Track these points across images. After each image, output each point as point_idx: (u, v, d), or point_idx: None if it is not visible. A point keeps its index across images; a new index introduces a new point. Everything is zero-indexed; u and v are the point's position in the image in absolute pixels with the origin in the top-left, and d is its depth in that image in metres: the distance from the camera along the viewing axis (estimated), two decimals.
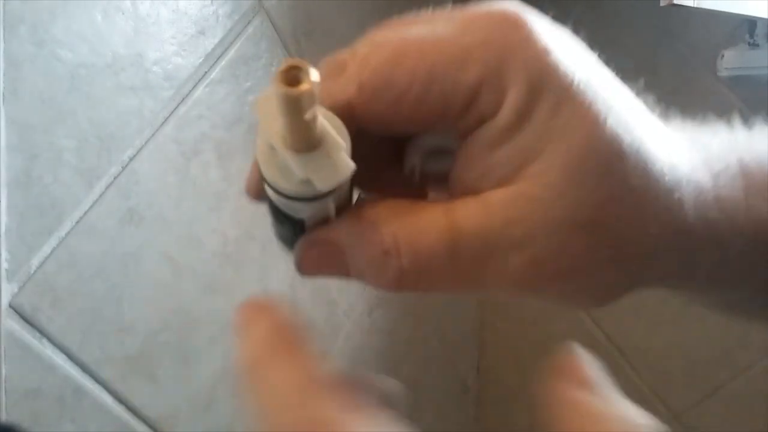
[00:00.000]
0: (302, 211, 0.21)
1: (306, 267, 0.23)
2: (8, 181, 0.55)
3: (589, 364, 0.20)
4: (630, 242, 0.22)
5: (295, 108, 0.18)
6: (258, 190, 0.22)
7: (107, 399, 0.64)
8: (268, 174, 0.20)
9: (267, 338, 0.20)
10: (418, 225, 0.21)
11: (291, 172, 0.19)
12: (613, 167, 0.21)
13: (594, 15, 0.97)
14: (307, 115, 0.18)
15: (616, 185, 0.21)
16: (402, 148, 0.24)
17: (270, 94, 0.19)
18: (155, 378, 0.68)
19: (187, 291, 0.70)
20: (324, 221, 0.22)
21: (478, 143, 0.21)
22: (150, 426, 0.68)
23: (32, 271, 0.58)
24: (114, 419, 0.65)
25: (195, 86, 0.69)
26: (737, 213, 0.23)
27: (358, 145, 0.21)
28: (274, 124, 0.19)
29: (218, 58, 0.71)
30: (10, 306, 0.56)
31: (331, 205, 0.21)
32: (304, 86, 0.18)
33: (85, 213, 0.61)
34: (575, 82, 0.20)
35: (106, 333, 0.63)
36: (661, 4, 0.76)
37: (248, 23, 0.74)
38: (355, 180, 0.21)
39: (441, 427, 1.12)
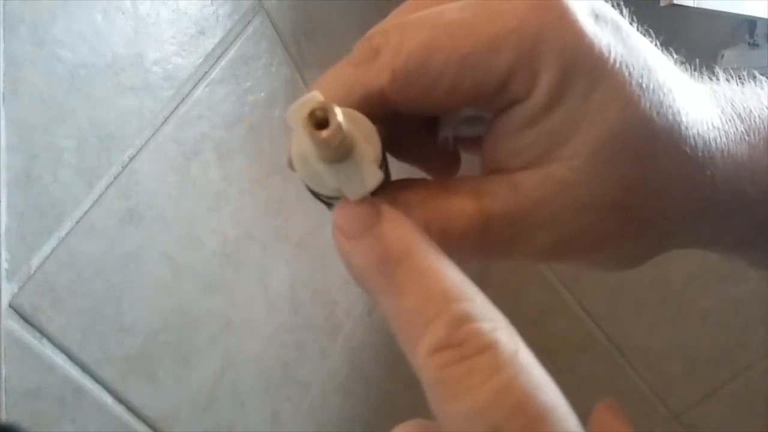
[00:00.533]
0: (338, 202, 0.22)
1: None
2: (8, 181, 0.55)
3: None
4: (658, 220, 0.22)
5: (324, 145, 0.19)
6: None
7: (107, 399, 0.64)
8: (304, 178, 0.21)
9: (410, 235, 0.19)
10: (449, 209, 0.21)
11: (324, 180, 0.20)
12: (643, 151, 0.21)
13: None
14: (336, 145, 0.19)
15: (647, 168, 0.21)
16: (434, 117, 0.24)
17: (302, 105, 0.20)
18: (155, 378, 0.68)
19: (187, 291, 0.70)
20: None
21: (509, 123, 0.21)
22: (150, 426, 0.68)
23: (32, 271, 0.58)
24: (114, 419, 0.65)
25: (195, 86, 0.69)
26: None
27: (391, 119, 0.22)
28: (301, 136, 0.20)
29: (218, 58, 0.71)
30: (10, 306, 0.56)
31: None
32: (329, 132, 0.18)
33: (85, 213, 0.61)
34: (610, 63, 0.20)
35: (106, 333, 0.63)
36: (661, 4, 0.76)
37: (248, 23, 0.74)
38: (392, 150, 0.22)
39: None
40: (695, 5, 0.79)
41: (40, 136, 0.57)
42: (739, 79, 0.27)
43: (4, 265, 0.56)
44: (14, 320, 0.57)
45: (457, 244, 0.21)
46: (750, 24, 0.89)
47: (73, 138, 0.60)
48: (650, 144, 0.21)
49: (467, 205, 0.21)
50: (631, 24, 0.24)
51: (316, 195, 0.22)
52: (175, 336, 0.69)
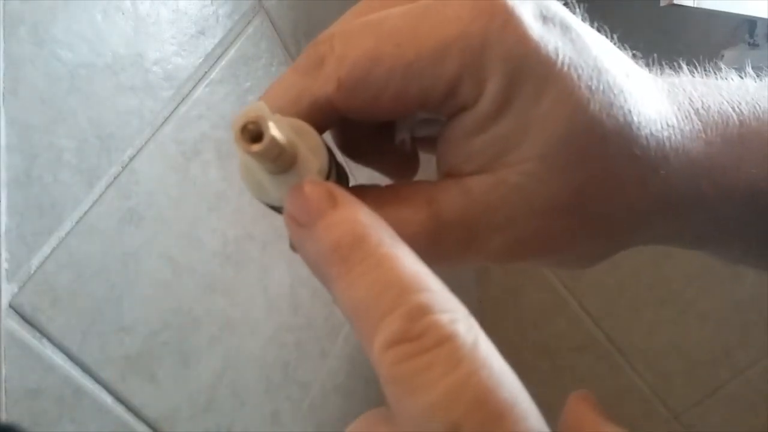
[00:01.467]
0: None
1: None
2: (8, 181, 0.55)
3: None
4: (612, 219, 0.22)
5: (261, 158, 0.19)
6: None
7: (107, 399, 0.64)
8: (250, 188, 0.21)
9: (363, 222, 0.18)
10: (401, 216, 0.21)
11: (267, 191, 0.20)
12: (592, 153, 0.21)
13: (594, 15, 0.97)
14: (274, 157, 0.19)
15: (597, 170, 0.21)
16: (390, 121, 0.24)
17: (239, 117, 0.19)
18: (155, 378, 0.68)
19: (187, 291, 0.70)
20: None
21: (459, 128, 0.21)
22: (150, 426, 0.68)
23: (32, 271, 0.58)
24: (114, 419, 0.65)
25: (195, 86, 0.69)
26: (728, 180, 0.23)
27: (347, 123, 0.22)
28: (249, 175, 0.20)
29: (218, 58, 0.71)
30: (10, 306, 0.56)
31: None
32: (261, 146, 0.18)
33: (85, 213, 0.61)
34: (558, 66, 0.20)
35: (106, 333, 0.63)
36: (661, 4, 0.76)
37: (248, 23, 0.74)
38: (349, 154, 0.22)
39: None
40: (695, 5, 0.79)
41: (40, 136, 0.57)
42: (705, 71, 0.27)
43: (4, 265, 0.56)
44: (14, 320, 0.57)
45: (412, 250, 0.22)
46: (750, 24, 0.89)
47: (73, 138, 0.60)
48: (599, 146, 0.21)
49: (419, 211, 0.21)
50: (583, 21, 0.23)
51: (265, 203, 0.22)
52: (175, 336, 0.69)
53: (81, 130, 0.60)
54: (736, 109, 0.24)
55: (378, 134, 0.25)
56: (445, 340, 0.16)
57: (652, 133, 0.22)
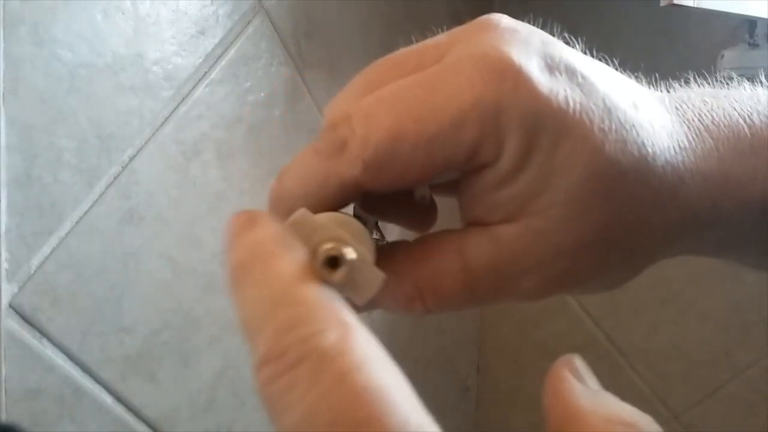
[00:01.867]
0: None
1: (405, 306, 0.23)
2: (8, 181, 0.55)
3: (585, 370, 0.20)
4: (637, 248, 0.23)
5: (337, 286, 0.18)
6: None
7: (107, 399, 0.64)
8: None
9: (253, 245, 0.18)
10: (436, 270, 0.22)
11: None
12: (613, 191, 0.22)
13: (594, 15, 0.97)
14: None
15: (619, 206, 0.22)
16: None
17: (297, 221, 0.20)
18: (155, 378, 0.68)
19: (187, 291, 0.70)
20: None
21: (482, 184, 0.22)
22: (150, 426, 0.68)
23: (32, 271, 0.58)
24: (114, 419, 0.65)
25: (195, 86, 0.69)
26: (744, 193, 0.24)
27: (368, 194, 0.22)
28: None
29: (218, 58, 0.71)
30: (10, 306, 0.56)
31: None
32: (342, 274, 0.18)
33: (85, 213, 0.61)
34: (570, 114, 0.21)
35: (106, 333, 0.63)
36: (661, 4, 0.76)
37: (248, 23, 0.74)
38: (371, 213, 0.23)
39: (440, 426, 1.12)
40: (695, 5, 0.79)
41: (40, 136, 0.57)
42: (716, 81, 0.27)
43: (4, 265, 0.56)
44: (14, 320, 0.57)
45: (449, 303, 0.22)
46: (750, 24, 0.89)
47: (73, 138, 0.60)
48: (619, 183, 0.21)
49: (451, 263, 0.22)
50: (584, 54, 0.24)
51: None
52: (175, 336, 0.69)
53: (81, 130, 0.60)
54: (747, 121, 0.25)
55: (397, 193, 0.25)
56: (306, 356, 0.15)
57: (667, 161, 0.23)
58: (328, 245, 0.18)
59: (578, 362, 0.20)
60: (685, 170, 0.23)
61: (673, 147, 0.23)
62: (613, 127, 0.21)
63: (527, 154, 0.21)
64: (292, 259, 0.17)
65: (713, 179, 0.23)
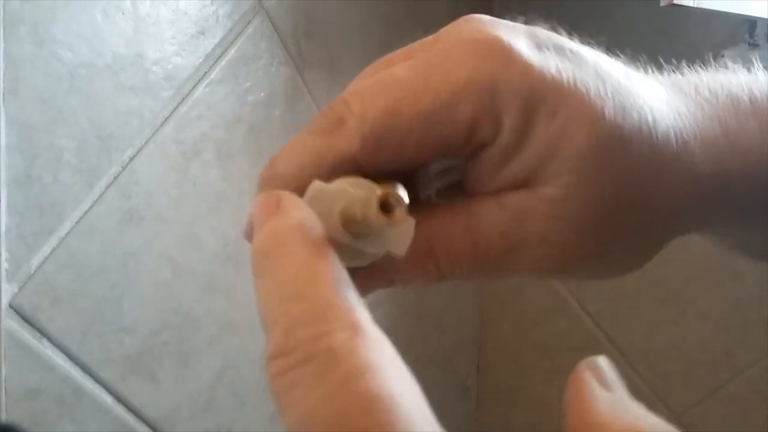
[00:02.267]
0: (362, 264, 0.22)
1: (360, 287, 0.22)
2: (8, 181, 0.55)
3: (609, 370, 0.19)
4: (645, 220, 0.23)
5: (395, 224, 0.19)
6: None
7: (107, 399, 0.64)
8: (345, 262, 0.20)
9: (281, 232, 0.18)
10: (447, 229, 0.22)
11: (358, 255, 0.20)
12: (618, 155, 0.22)
13: (594, 15, 0.97)
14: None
15: (625, 171, 0.22)
16: (411, 180, 0.25)
17: (315, 194, 0.20)
18: (155, 378, 0.68)
19: (187, 291, 0.70)
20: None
21: (485, 163, 0.22)
22: (150, 426, 0.68)
23: (32, 271, 0.58)
24: (114, 419, 0.65)
25: (195, 86, 0.69)
26: (750, 156, 0.24)
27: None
28: (332, 220, 0.20)
29: (218, 58, 0.71)
30: (10, 306, 0.56)
31: None
32: (401, 215, 0.19)
33: (85, 213, 0.61)
34: (565, 85, 0.21)
35: (106, 333, 0.63)
36: (661, 4, 0.76)
37: (248, 23, 0.74)
38: None
39: (440, 427, 1.12)
40: (695, 5, 0.79)
41: (40, 136, 0.57)
42: (700, 66, 0.27)
43: (4, 265, 0.56)
44: (14, 320, 0.57)
45: (460, 262, 0.22)
46: (750, 24, 0.89)
47: (73, 138, 0.60)
48: (623, 148, 0.21)
49: (461, 222, 0.22)
50: (570, 37, 0.24)
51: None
52: (175, 336, 0.69)
53: (81, 130, 0.60)
54: (746, 92, 0.25)
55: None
56: (313, 355, 0.15)
57: (668, 125, 0.22)
58: (379, 192, 0.19)
59: (604, 364, 0.19)
60: (687, 135, 0.23)
61: (672, 114, 0.23)
62: (609, 94, 0.22)
63: (526, 127, 0.21)
64: (312, 251, 0.17)
65: (717, 143, 0.23)
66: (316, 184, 0.20)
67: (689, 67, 0.27)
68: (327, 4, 0.83)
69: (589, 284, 1.04)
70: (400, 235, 0.20)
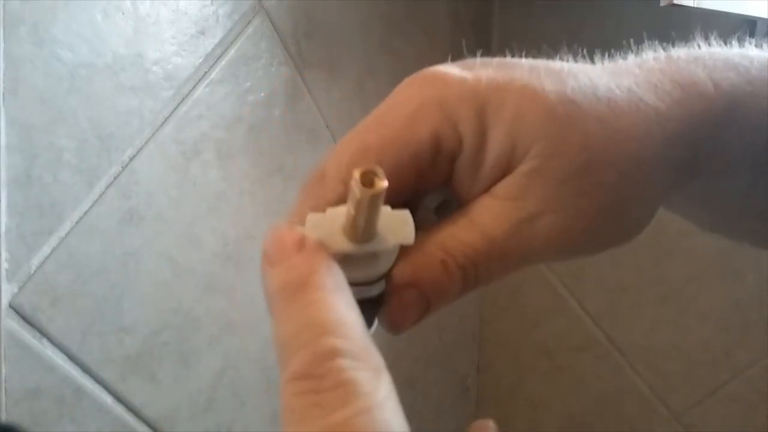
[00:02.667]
0: (377, 287, 0.24)
1: (402, 319, 0.25)
2: (8, 181, 0.55)
3: None
4: (617, 170, 0.24)
5: (377, 203, 0.21)
6: None
7: (107, 399, 0.64)
8: (356, 277, 0.23)
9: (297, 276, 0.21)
10: (457, 236, 0.24)
11: (373, 263, 0.23)
12: (571, 119, 0.24)
13: (594, 15, 0.97)
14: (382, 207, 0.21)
15: (583, 129, 0.24)
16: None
17: (315, 222, 0.22)
18: (155, 378, 0.68)
19: (187, 291, 0.70)
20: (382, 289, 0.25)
21: (464, 171, 0.25)
22: (150, 426, 0.68)
23: (32, 271, 0.58)
24: (114, 419, 0.65)
25: (195, 86, 0.69)
26: (708, 100, 0.25)
27: None
28: (337, 237, 0.22)
29: (218, 58, 0.71)
30: (10, 306, 0.56)
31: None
32: (382, 183, 0.20)
33: (85, 213, 0.61)
34: (502, 83, 0.24)
35: (106, 333, 0.63)
36: (661, 4, 0.76)
37: (248, 23, 0.74)
38: None
39: (440, 426, 1.12)
40: (695, 5, 0.79)
41: (40, 136, 0.57)
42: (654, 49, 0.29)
43: (4, 265, 0.56)
44: (14, 320, 0.57)
45: (474, 255, 0.24)
46: (750, 24, 0.89)
47: (73, 138, 0.60)
48: (573, 109, 0.23)
49: (469, 227, 0.24)
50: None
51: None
52: (175, 336, 0.70)
53: (81, 130, 0.60)
54: (687, 51, 0.27)
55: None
56: (341, 384, 0.18)
57: (608, 82, 0.24)
58: (358, 171, 0.21)
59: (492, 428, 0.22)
60: (634, 87, 0.25)
61: (610, 76, 0.25)
62: (543, 74, 0.24)
63: (484, 126, 0.24)
64: (340, 295, 0.20)
65: (665, 87, 0.25)
66: (312, 216, 0.23)
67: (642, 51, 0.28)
68: (327, 4, 0.83)
69: (589, 284, 1.04)
70: (401, 224, 0.22)
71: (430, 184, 0.25)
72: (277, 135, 0.78)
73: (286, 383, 0.18)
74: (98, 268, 0.62)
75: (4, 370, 0.56)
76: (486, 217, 0.24)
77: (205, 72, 0.70)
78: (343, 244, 0.22)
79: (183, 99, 0.68)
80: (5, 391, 0.56)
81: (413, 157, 0.24)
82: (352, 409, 0.17)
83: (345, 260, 0.22)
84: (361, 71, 0.87)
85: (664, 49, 0.27)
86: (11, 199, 0.56)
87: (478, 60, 0.25)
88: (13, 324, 0.57)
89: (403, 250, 0.24)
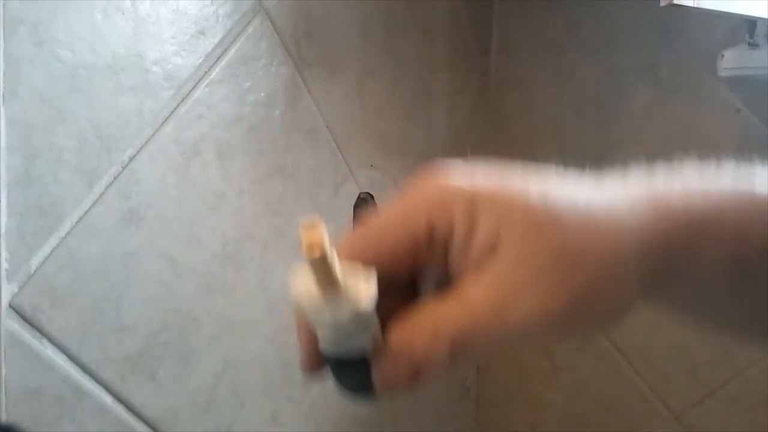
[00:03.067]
0: (362, 340, 0.27)
1: (394, 379, 0.28)
2: (8, 181, 0.55)
3: None
4: (590, 268, 0.27)
5: (322, 265, 0.25)
6: (314, 362, 0.29)
7: (107, 399, 0.64)
8: (327, 330, 0.27)
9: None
10: (447, 312, 0.27)
11: (341, 314, 0.26)
12: (549, 221, 0.27)
13: (594, 15, 0.97)
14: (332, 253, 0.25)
15: (558, 230, 0.27)
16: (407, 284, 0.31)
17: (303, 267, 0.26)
18: (155, 378, 0.68)
19: (187, 291, 0.70)
20: (378, 351, 0.28)
21: (455, 252, 0.28)
22: (150, 426, 0.68)
23: (32, 271, 0.58)
24: (114, 419, 0.65)
25: (195, 86, 0.69)
26: (679, 207, 0.29)
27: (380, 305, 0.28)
28: (311, 302, 0.26)
29: (218, 58, 0.71)
30: (10, 306, 0.56)
31: (377, 326, 0.27)
32: (317, 253, 0.24)
33: (85, 213, 0.61)
34: (495, 191, 0.27)
35: (106, 333, 0.63)
36: (661, 4, 0.76)
37: (248, 23, 0.74)
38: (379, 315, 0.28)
39: (440, 427, 1.12)
40: (695, 5, 0.79)
41: (40, 136, 0.57)
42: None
43: (4, 265, 0.56)
44: (14, 320, 0.57)
45: (461, 334, 0.27)
46: (750, 24, 0.89)
47: (73, 138, 0.60)
48: (553, 214, 0.27)
49: (457, 304, 0.27)
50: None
51: (348, 368, 0.29)
52: (175, 336, 0.70)
53: (81, 130, 0.60)
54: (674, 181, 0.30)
55: (399, 298, 0.31)
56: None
57: (588, 195, 0.28)
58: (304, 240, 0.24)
59: None
60: (613, 201, 0.28)
61: (593, 190, 0.28)
62: (533, 189, 0.27)
63: (474, 218, 0.27)
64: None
65: (642, 200, 0.28)
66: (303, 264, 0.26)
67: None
68: (327, 4, 0.83)
69: None
70: (361, 290, 0.26)
71: (430, 264, 0.29)
72: (277, 135, 0.78)
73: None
74: (98, 268, 0.62)
75: (4, 370, 0.56)
76: (472, 296, 0.27)
77: (205, 72, 0.70)
78: (323, 319, 0.26)
79: (183, 99, 0.68)
80: (5, 391, 0.56)
81: (411, 237, 0.28)
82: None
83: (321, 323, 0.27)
84: (361, 71, 0.87)
85: (645, 168, 0.31)
86: (11, 199, 0.56)
87: (480, 168, 0.29)
88: (13, 324, 0.57)
89: (400, 318, 0.28)
